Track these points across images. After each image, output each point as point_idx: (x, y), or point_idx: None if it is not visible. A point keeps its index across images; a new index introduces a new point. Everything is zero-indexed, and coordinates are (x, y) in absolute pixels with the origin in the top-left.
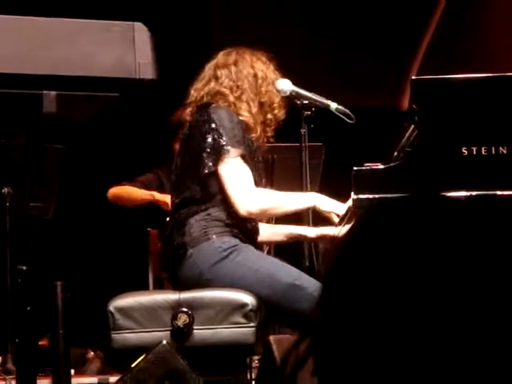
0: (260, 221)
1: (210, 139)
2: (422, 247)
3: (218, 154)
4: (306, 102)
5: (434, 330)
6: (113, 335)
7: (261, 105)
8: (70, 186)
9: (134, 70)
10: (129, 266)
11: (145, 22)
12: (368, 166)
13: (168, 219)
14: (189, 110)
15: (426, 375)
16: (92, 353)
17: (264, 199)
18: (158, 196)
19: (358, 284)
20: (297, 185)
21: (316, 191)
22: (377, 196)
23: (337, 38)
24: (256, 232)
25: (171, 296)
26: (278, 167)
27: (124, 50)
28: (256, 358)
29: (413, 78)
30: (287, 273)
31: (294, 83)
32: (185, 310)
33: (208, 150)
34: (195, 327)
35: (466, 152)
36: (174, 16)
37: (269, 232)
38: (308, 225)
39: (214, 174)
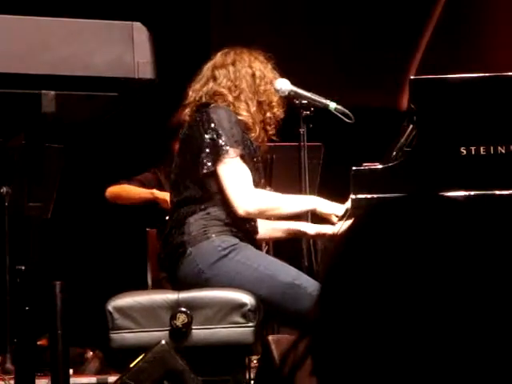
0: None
1: (208, 139)
2: (421, 247)
3: (216, 153)
4: (305, 101)
5: (433, 329)
6: (111, 335)
7: (259, 104)
8: (68, 185)
9: (133, 69)
10: (127, 265)
11: (144, 22)
12: (367, 165)
13: (168, 218)
14: (187, 110)
15: (424, 374)
16: (91, 353)
17: (263, 200)
18: (157, 194)
19: (357, 283)
20: (295, 184)
21: (314, 191)
22: (375, 196)
23: (336, 37)
24: (255, 231)
25: (170, 296)
26: (276, 167)
27: (123, 49)
28: (255, 357)
29: (411, 77)
30: (286, 272)
31: (294, 83)
32: (183, 309)
33: (207, 149)
34: (194, 327)
35: (465, 152)
36: (173, 16)
37: (268, 228)
38: (307, 221)
39: (213, 174)
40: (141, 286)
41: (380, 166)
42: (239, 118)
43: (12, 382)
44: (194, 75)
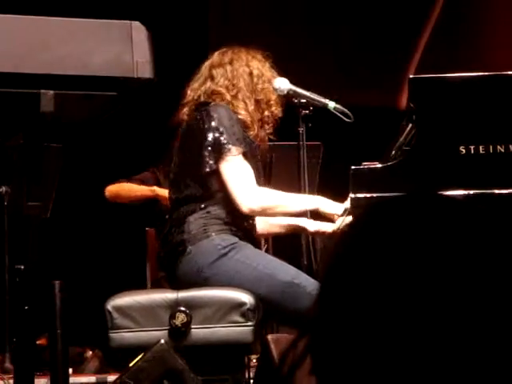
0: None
1: (210, 137)
2: (420, 246)
3: (219, 152)
4: (304, 100)
5: (432, 328)
6: (111, 334)
7: (257, 102)
8: (67, 185)
9: (132, 68)
10: (127, 265)
11: (142, 22)
12: (366, 165)
13: (167, 217)
14: (185, 109)
15: (423, 373)
16: (90, 352)
17: (266, 197)
18: (158, 191)
19: (356, 282)
20: (295, 183)
21: (314, 190)
22: (375, 195)
23: (336, 37)
24: (254, 230)
25: (169, 295)
26: (275, 166)
27: (122, 48)
28: (254, 356)
29: (410, 76)
30: (286, 271)
31: (293, 83)
32: (183, 309)
33: (209, 148)
34: (193, 326)
35: (464, 151)
36: (172, 15)
37: (267, 223)
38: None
39: (215, 173)
40: (140, 286)
41: (379, 165)
42: (238, 116)
43: (11, 381)
44: (193, 74)
